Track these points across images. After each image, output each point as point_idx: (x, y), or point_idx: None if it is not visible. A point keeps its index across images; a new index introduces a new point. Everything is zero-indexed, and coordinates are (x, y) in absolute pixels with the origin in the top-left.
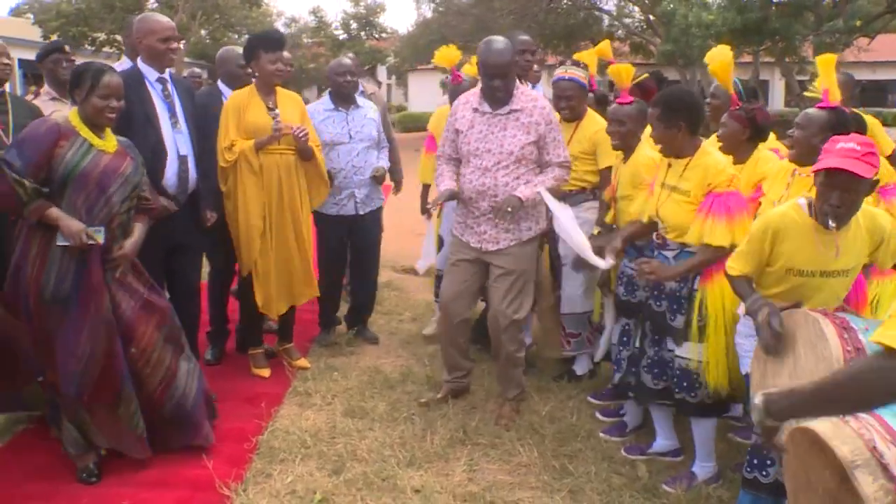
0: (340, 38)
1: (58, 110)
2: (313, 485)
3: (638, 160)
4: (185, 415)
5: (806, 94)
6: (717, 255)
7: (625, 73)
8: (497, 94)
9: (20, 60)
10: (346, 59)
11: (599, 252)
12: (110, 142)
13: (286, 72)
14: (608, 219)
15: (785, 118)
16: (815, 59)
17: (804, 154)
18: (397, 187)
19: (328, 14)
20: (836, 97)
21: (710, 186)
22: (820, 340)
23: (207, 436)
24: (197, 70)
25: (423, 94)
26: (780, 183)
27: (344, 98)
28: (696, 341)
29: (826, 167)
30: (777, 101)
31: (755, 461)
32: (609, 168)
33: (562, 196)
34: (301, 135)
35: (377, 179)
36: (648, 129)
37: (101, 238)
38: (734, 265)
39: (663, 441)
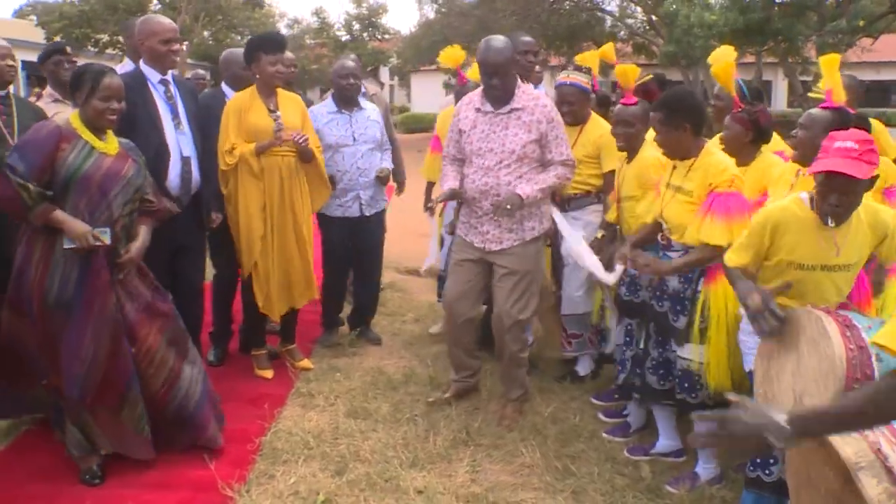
0: (343, 39)
1: (60, 112)
2: (316, 486)
3: (644, 160)
4: (187, 416)
5: (811, 94)
6: (714, 255)
7: (631, 73)
8: (494, 92)
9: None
10: (350, 62)
11: (610, 260)
12: (112, 144)
13: (291, 72)
14: (611, 218)
15: (788, 119)
16: (818, 59)
17: (808, 154)
18: (400, 188)
19: (331, 15)
20: (840, 97)
21: (711, 186)
22: (823, 339)
23: (212, 438)
24: (201, 71)
25: (426, 94)
26: (784, 183)
27: (347, 101)
28: (697, 342)
29: (823, 170)
30: (780, 101)
31: (758, 460)
32: (612, 172)
33: (566, 199)
34: (301, 141)
35: (381, 180)
36: (650, 133)
37: (107, 239)
38: (732, 256)
39: (666, 441)
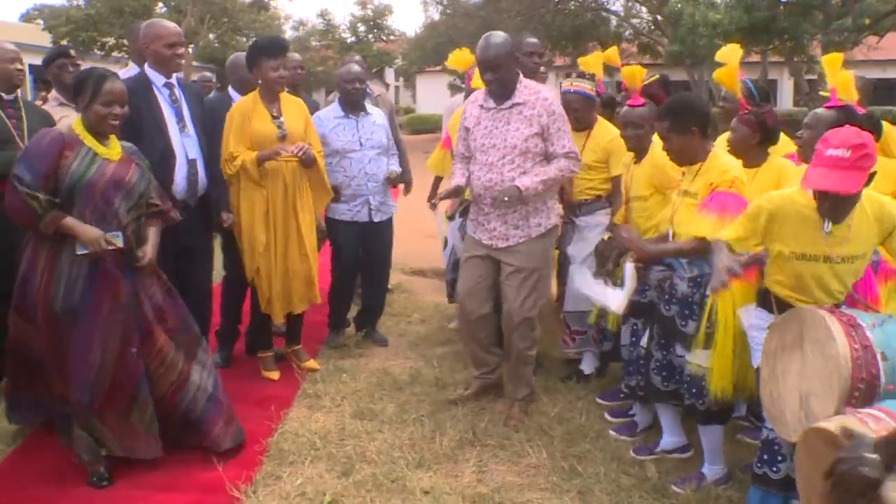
0: (348, 40)
1: (66, 115)
2: (323, 486)
3: (657, 160)
4: (194, 420)
5: (822, 93)
6: (700, 247)
7: (637, 74)
8: (491, 87)
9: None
10: (355, 67)
11: (616, 261)
12: (115, 149)
13: (298, 74)
14: (618, 220)
15: (794, 118)
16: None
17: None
18: (407, 188)
19: (336, 17)
20: (851, 96)
21: (712, 186)
22: (827, 339)
23: (217, 440)
24: (207, 74)
25: (431, 95)
26: (793, 182)
27: (353, 105)
28: (702, 347)
29: (811, 187)
30: (786, 100)
31: (765, 457)
32: (620, 176)
33: (577, 205)
34: (302, 154)
35: (391, 181)
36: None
37: (120, 242)
38: (726, 231)
39: (670, 438)
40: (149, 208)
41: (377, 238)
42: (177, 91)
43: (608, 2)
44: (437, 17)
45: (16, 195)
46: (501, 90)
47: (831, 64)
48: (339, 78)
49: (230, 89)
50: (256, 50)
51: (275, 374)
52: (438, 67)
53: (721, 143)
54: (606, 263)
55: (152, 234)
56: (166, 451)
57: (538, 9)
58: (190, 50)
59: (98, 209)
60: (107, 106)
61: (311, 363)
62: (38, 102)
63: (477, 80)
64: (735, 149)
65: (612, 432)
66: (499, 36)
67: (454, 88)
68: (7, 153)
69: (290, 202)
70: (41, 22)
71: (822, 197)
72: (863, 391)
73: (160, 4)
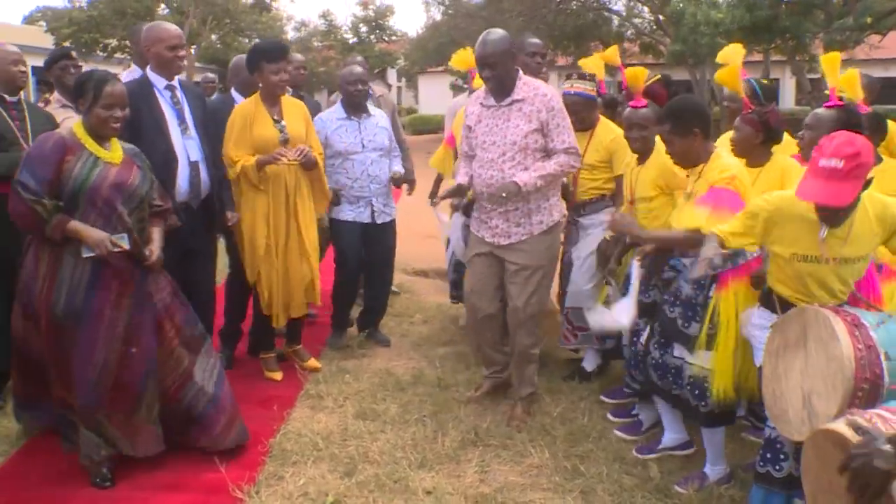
0: (350, 41)
1: (69, 117)
2: (325, 487)
3: (664, 161)
4: (196, 416)
5: (828, 92)
6: (692, 238)
7: (640, 75)
8: (489, 84)
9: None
10: (358, 68)
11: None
12: (116, 152)
13: (301, 75)
14: None
15: (796, 117)
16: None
17: None
18: (410, 187)
19: (338, 18)
20: (857, 94)
21: (711, 183)
22: (831, 339)
23: (217, 439)
24: (211, 75)
25: (433, 96)
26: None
27: (356, 107)
28: (704, 349)
29: (804, 199)
30: (788, 99)
31: (768, 455)
32: (622, 175)
33: (581, 204)
34: (302, 158)
35: (395, 182)
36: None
37: (126, 244)
38: (723, 225)
39: (672, 434)
40: (151, 209)
41: (380, 239)
42: (178, 93)
43: (610, 2)
44: (438, 17)
45: (20, 201)
46: (500, 87)
47: (830, 63)
48: (341, 79)
49: (233, 91)
50: (257, 53)
51: (277, 375)
52: (440, 68)
53: (724, 142)
54: (608, 262)
55: (156, 233)
56: (169, 452)
57: (540, 9)
58: (192, 51)
59: (102, 213)
60: (108, 109)
61: (313, 362)
62: (41, 104)
63: (479, 80)
64: (738, 148)
65: (616, 432)
66: (496, 33)
67: (456, 89)
68: (12, 154)
69: (291, 205)
70: (44, 24)
71: (818, 204)
72: (866, 391)
73: (162, 6)
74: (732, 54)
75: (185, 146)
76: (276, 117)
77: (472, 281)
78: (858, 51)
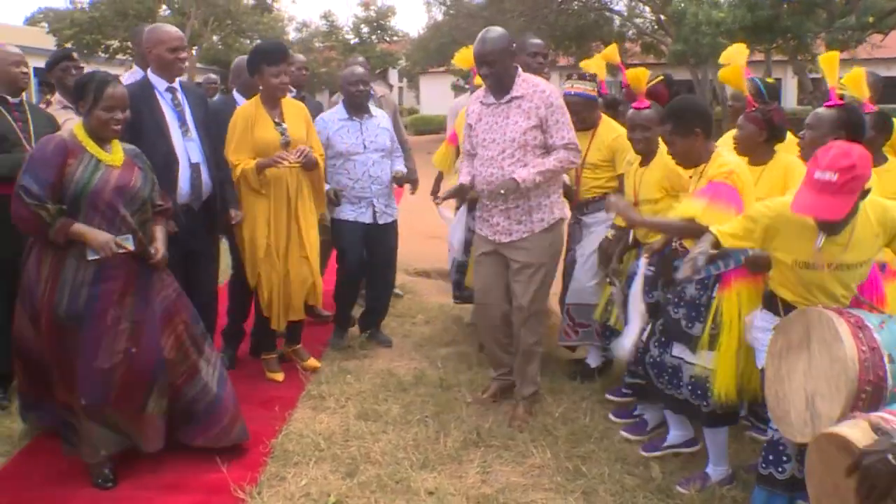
0: (352, 42)
1: (70, 118)
2: (327, 487)
3: (669, 162)
4: (199, 411)
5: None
6: (687, 228)
7: (642, 76)
8: (487, 81)
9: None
10: (359, 69)
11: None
12: (117, 154)
13: (302, 75)
14: (619, 222)
15: (798, 116)
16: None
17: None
18: (413, 187)
19: (339, 18)
20: (863, 93)
21: (710, 178)
22: (835, 341)
23: (216, 437)
24: (213, 76)
25: (435, 96)
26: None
27: (357, 107)
28: (707, 349)
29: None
30: (790, 99)
31: (771, 457)
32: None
33: (584, 203)
34: (303, 159)
35: (397, 181)
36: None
37: (131, 245)
38: (723, 226)
39: (676, 432)
40: (153, 208)
41: (382, 240)
42: (179, 95)
43: (611, 2)
44: (440, 17)
45: (23, 206)
46: (499, 85)
47: (829, 62)
48: (342, 80)
49: (235, 92)
50: (257, 56)
51: (279, 376)
52: (442, 68)
53: (727, 141)
54: (610, 261)
55: (159, 232)
56: (170, 452)
57: (541, 9)
58: (194, 52)
59: (105, 216)
60: (108, 111)
61: (312, 362)
62: (42, 105)
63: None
64: (742, 146)
65: (622, 433)
66: (495, 31)
67: (458, 89)
68: (15, 156)
69: (292, 208)
70: (46, 25)
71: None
72: (870, 393)
73: (164, 7)
74: (736, 54)
75: (186, 148)
76: (276, 120)
77: (480, 281)
78: (860, 50)
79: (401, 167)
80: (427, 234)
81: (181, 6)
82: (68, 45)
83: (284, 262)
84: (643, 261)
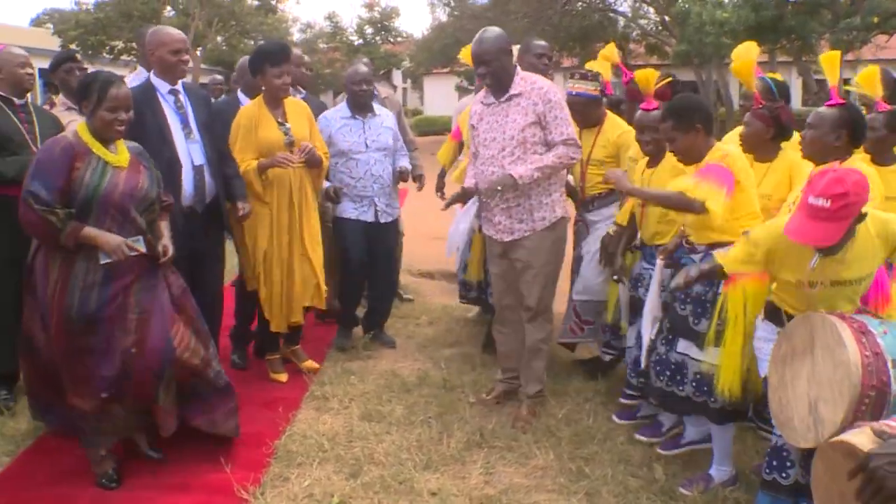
0: (356, 43)
1: (74, 119)
2: (331, 488)
3: (676, 163)
4: (200, 394)
5: (846, 87)
6: (679, 201)
7: (651, 77)
8: (485, 80)
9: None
10: (363, 68)
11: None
12: (122, 155)
13: (303, 74)
14: (620, 220)
15: (802, 117)
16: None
17: (816, 153)
18: (420, 184)
19: (343, 19)
20: (876, 92)
21: (706, 163)
22: (838, 346)
23: (214, 421)
24: (218, 77)
25: (439, 97)
26: (806, 177)
27: (361, 107)
28: (713, 345)
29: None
30: (794, 100)
31: (775, 462)
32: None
33: (590, 199)
34: (307, 156)
35: (402, 176)
36: None
37: (142, 247)
38: (726, 254)
39: (693, 428)
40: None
41: (382, 239)
42: (182, 97)
43: (615, 3)
44: (444, 18)
45: (31, 211)
46: (497, 84)
47: (830, 62)
48: (346, 79)
49: (239, 92)
50: (260, 56)
51: (283, 376)
52: (446, 69)
53: (733, 138)
54: (613, 258)
55: (165, 228)
56: (174, 452)
57: (545, 10)
58: (198, 53)
59: (115, 219)
60: (112, 112)
61: (310, 363)
62: (47, 106)
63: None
64: (748, 143)
65: (637, 436)
66: (492, 31)
67: (462, 90)
68: (21, 158)
69: (295, 208)
70: (51, 26)
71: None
72: (873, 398)
73: (168, 8)
74: (746, 52)
75: (189, 150)
76: (280, 120)
77: (497, 282)
78: (865, 51)
79: (405, 163)
80: (430, 236)
81: (185, 7)
82: (73, 47)
83: (287, 265)
84: (659, 262)
